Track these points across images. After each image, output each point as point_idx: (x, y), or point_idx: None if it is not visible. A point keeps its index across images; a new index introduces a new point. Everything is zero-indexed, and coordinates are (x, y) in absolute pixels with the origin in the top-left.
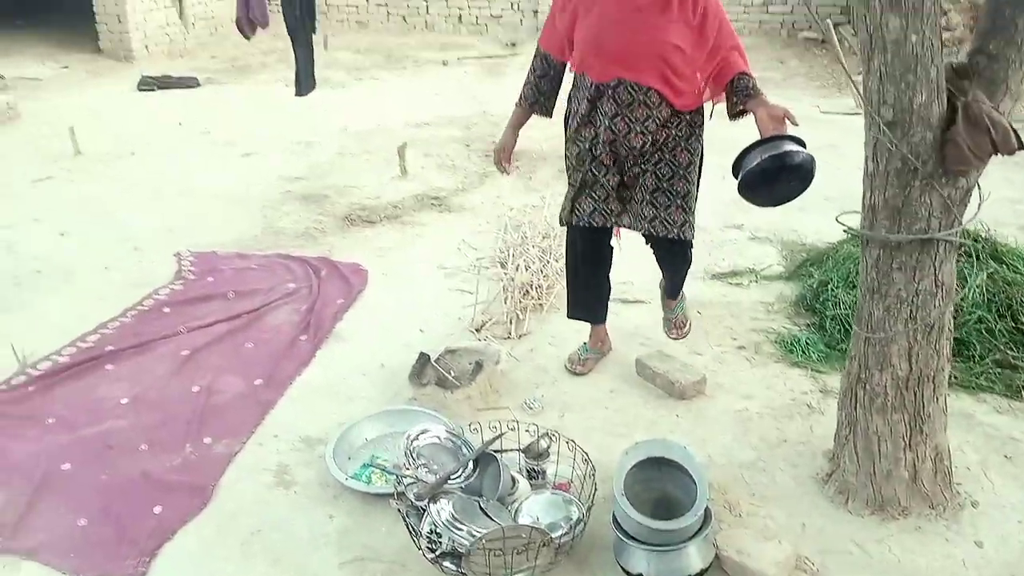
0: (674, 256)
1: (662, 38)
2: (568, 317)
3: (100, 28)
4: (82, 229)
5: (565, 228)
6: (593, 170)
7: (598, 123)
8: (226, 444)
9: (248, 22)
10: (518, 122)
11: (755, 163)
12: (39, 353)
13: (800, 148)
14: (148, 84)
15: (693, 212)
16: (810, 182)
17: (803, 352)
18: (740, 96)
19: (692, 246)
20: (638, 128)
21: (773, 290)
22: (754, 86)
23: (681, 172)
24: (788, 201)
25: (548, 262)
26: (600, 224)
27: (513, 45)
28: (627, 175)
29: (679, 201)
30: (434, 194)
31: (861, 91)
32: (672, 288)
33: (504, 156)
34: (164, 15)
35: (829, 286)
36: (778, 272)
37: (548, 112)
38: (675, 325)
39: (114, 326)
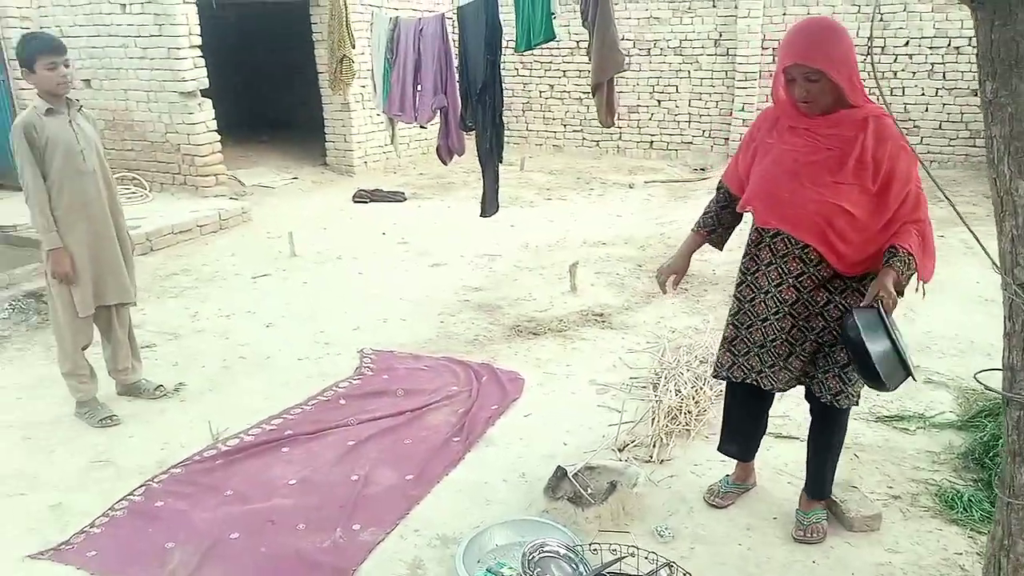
0: (823, 423)
1: (829, 198)
2: (718, 450)
3: (328, 145)
4: (285, 322)
5: None
6: (735, 323)
7: (755, 270)
8: (371, 532)
9: (447, 150)
10: (691, 247)
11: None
12: (231, 430)
13: (887, 341)
14: (362, 196)
15: (854, 384)
16: (872, 377)
17: (964, 509)
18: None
19: (845, 425)
20: (790, 281)
21: (942, 439)
22: (897, 258)
23: None
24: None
25: (701, 388)
26: (739, 379)
27: (702, 170)
28: (785, 332)
29: (836, 370)
30: (599, 310)
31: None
32: (815, 480)
33: (675, 280)
34: (383, 136)
35: (1001, 441)
36: (950, 420)
37: (721, 245)
38: (804, 528)
39: (296, 412)
